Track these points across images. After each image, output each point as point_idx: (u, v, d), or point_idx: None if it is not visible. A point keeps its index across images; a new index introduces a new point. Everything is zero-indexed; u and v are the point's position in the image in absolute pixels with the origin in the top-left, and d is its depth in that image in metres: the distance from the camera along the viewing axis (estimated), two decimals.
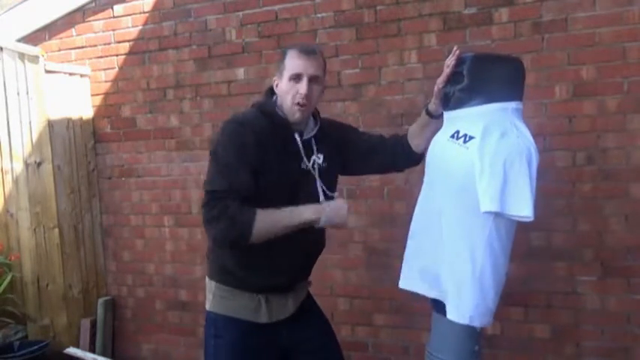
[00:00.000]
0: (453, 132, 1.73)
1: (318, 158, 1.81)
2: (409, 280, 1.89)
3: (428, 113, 1.90)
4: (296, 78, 1.71)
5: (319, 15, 3.01)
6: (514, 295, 2.71)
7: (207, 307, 1.84)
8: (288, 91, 1.72)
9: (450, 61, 1.76)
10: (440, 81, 1.80)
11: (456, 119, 1.76)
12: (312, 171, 1.78)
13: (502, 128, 1.66)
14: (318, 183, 1.78)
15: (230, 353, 1.77)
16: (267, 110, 1.75)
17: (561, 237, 2.64)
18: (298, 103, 1.71)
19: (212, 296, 1.82)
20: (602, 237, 2.57)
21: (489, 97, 1.71)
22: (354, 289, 3.05)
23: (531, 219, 1.61)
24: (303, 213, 1.67)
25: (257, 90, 3.16)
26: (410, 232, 1.90)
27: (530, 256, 2.68)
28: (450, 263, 1.73)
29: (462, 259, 1.70)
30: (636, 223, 2.52)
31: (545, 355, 2.70)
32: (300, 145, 1.75)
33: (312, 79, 1.72)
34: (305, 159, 1.77)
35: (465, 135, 1.69)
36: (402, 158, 1.99)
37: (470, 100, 1.73)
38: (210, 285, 1.85)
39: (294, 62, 1.72)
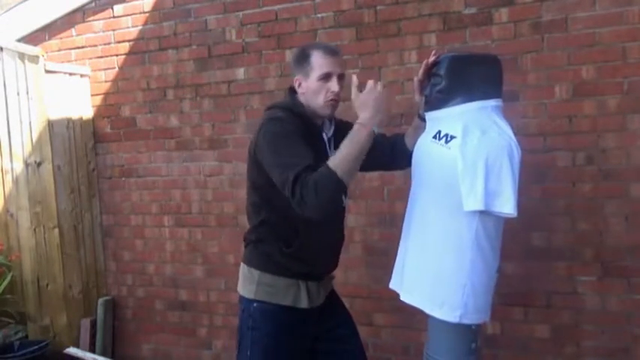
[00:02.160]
0: (435, 132, 1.76)
1: None
2: (395, 281, 1.93)
3: (419, 116, 1.95)
4: (326, 77, 1.79)
5: (319, 15, 3.01)
6: (514, 295, 2.72)
7: (248, 295, 1.87)
8: (319, 90, 1.80)
9: (429, 60, 1.85)
10: (420, 74, 1.87)
11: (437, 120, 1.79)
12: None
13: (482, 126, 1.68)
14: None
15: (265, 345, 1.83)
16: (298, 111, 1.83)
17: (561, 237, 2.64)
18: (331, 100, 1.80)
19: (255, 285, 1.86)
20: (602, 237, 2.57)
21: (468, 96, 1.74)
22: (354, 289, 3.05)
23: (514, 215, 1.64)
24: (359, 133, 1.64)
25: (257, 90, 3.17)
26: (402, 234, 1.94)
27: (530, 256, 2.68)
28: (437, 263, 1.75)
29: (450, 258, 1.72)
30: (636, 223, 2.52)
31: (545, 355, 2.70)
32: (327, 144, 1.86)
33: (339, 77, 1.82)
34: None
35: (447, 135, 1.71)
36: (400, 158, 2.03)
37: (449, 101, 1.76)
38: (251, 274, 1.88)
39: (322, 62, 1.79)
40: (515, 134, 1.75)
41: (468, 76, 1.76)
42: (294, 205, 1.61)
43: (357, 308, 3.04)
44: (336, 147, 1.81)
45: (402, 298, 1.87)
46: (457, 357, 1.80)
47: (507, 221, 2.65)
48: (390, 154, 2.03)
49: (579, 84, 2.56)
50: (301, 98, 1.85)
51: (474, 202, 1.62)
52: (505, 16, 2.66)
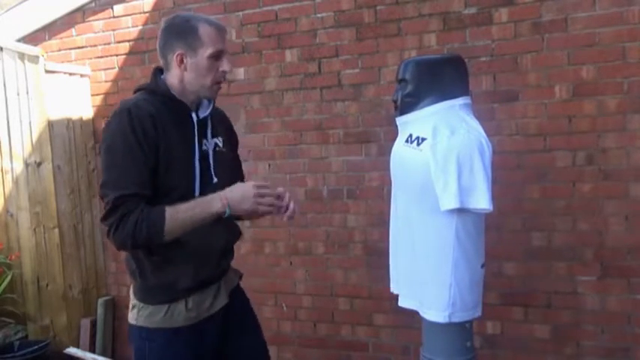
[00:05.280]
0: (407, 136, 1.78)
1: (219, 141, 1.76)
2: (394, 286, 1.94)
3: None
4: (218, 55, 1.62)
5: (319, 15, 3.01)
6: (514, 295, 2.72)
7: (130, 320, 1.71)
8: (209, 68, 1.62)
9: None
10: None
11: (408, 124, 1.80)
12: (210, 152, 1.69)
13: (451, 125, 1.69)
14: (211, 165, 1.69)
15: (164, 355, 1.66)
16: (160, 91, 1.65)
17: (561, 237, 2.64)
18: (219, 82, 1.66)
19: (136, 310, 1.69)
20: (602, 237, 2.57)
21: (435, 97, 1.75)
22: (354, 289, 3.05)
23: (490, 210, 1.65)
24: (211, 205, 1.55)
25: (257, 90, 3.17)
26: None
27: (530, 256, 2.68)
28: (423, 264, 1.76)
29: (433, 259, 1.73)
30: (636, 223, 2.52)
31: (545, 355, 2.70)
32: (196, 124, 1.66)
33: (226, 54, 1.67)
34: (205, 139, 1.69)
35: (418, 137, 1.73)
36: None
37: (418, 103, 1.77)
38: (133, 300, 1.73)
39: (215, 38, 1.61)
40: (489, 134, 1.75)
41: (433, 78, 1.77)
42: (104, 225, 1.54)
43: (357, 308, 3.05)
44: (217, 131, 1.73)
45: (399, 304, 1.88)
46: (453, 356, 1.80)
47: (507, 221, 2.67)
48: None
49: (579, 84, 2.56)
50: (174, 78, 1.64)
51: (448, 201, 1.63)
52: (505, 16, 2.65)
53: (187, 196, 1.59)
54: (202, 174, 1.66)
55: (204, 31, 1.60)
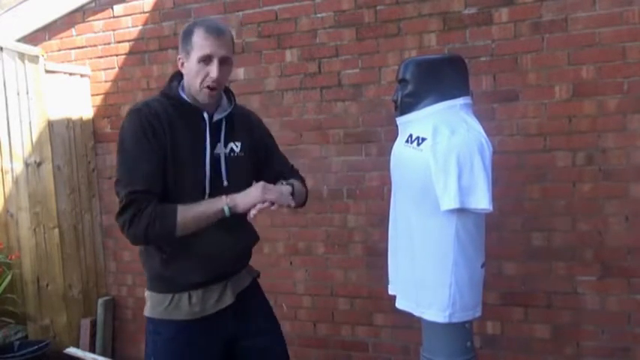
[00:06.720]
0: (407, 136, 1.78)
1: (236, 146, 1.75)
2: (393, 288, 1.95)
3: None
4: (206, 60, 1.61)
5: (319, 15, 3.02)
6: (514, 295, 2.72)
7: (145, 312, 1.80)
8: (198, 72, 1.62)
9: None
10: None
11: (408, 124, 1.80)
12: (222, 156, 1.69)
13: (451, 125, 1.69)
14: (223, 168, 1.69)
15: (168, 349, 1.73)
16: (170, 94, 1.69)
17: (561, 237, 2.64)
18: (208, 87, 1.63)
19: (147, 301, 1.79)
20: (602, 237, 2.58)
21: (436, 97, 1.76)
22: (354, 289, 3.05)
23: (490, 210, 1.65)
24: (215, 204, 1.60)
25: (257, 90, 3.17)
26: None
27: (530, 256, 2.68)
28: (423, 264, 1.76)
29: (433, 259, 1.73)
30: (636, 223, 2.52)
31: (545, 355, 2.70)
32: (208, 126, 1.67)
33: (222, 61, 1.63)
34: (219, 143, 1.69)
35: (418, 137, 1.73)
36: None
37: (418, 103, 1.77)
38: (146, 292, 1.81)
39: (203, 42, 1.61)
40: (489, 134, 1.75)
41: (433, 78, 1.77)
42: (118, 222, 1.58)
43: (357, 308, 3.05)
44: (231, 130, 1.73)
45: (397, 305, 1.88)
46: (453, 356, 1.80)
47: (507, 221, 2.67)
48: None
49: (579, 84, 2.56)
50: (184, 82, 1.70)
51: (449, 201, 1.62)
52: (505, 16, 2.66)
53: (198, 199, 1.63)
54: (213, 178, 1.67)
55: (197, 35, 1.63)
